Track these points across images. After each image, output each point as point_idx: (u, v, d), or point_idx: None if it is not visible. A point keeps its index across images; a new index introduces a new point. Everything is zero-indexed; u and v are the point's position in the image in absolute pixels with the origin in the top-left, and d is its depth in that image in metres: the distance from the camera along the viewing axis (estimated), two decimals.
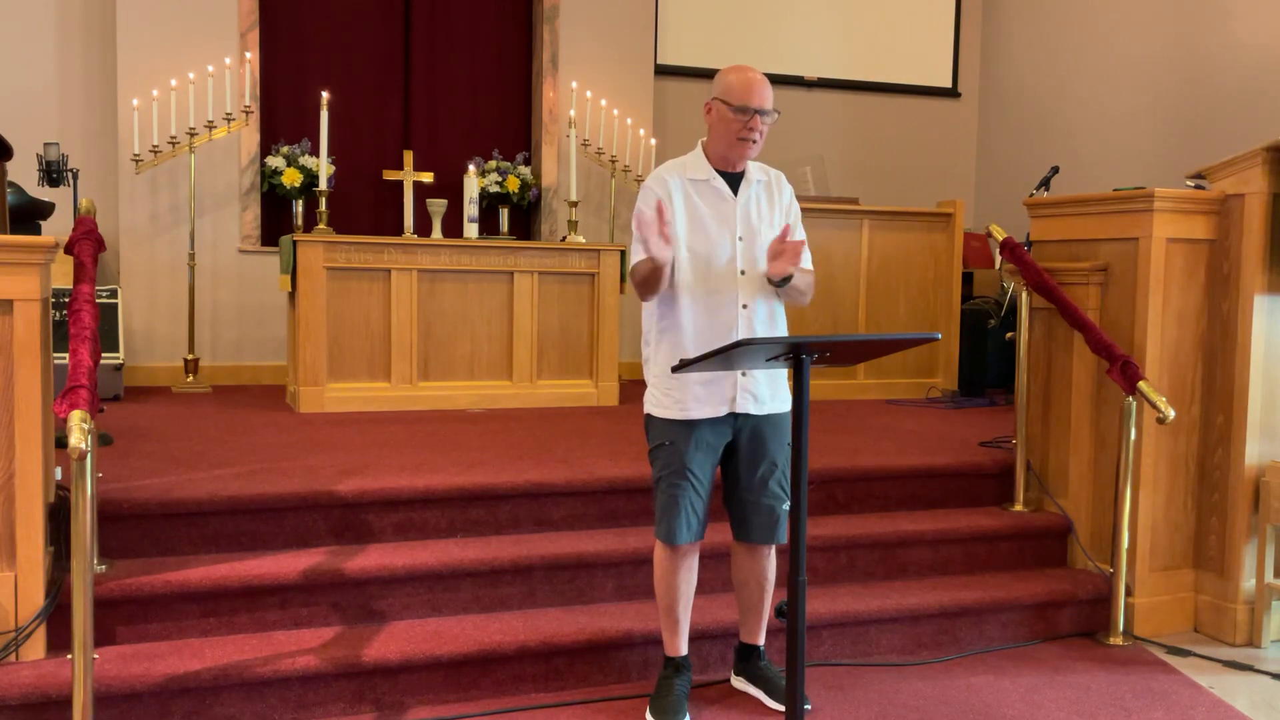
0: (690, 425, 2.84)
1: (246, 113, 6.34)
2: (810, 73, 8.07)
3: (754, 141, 2.83)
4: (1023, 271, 3.98)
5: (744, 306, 2.84)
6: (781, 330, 2.94)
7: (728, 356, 2.42)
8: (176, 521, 3.23)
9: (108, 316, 5.62)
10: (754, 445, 2.89)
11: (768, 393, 2.88)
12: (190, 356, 6.08)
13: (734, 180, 2.90)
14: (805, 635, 2.52)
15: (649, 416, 2.93)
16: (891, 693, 3.19)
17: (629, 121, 7.03)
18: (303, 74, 6.75)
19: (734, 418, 2.87)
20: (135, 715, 2.76)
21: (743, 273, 2.85)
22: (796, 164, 6.94)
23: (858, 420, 5.20)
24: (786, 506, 2.93)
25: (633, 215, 2.86)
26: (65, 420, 2.41)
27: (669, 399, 2.86)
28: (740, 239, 2.86)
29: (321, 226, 5.41)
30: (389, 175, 5.96)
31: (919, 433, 4.83)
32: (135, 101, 6.05)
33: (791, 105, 7.98)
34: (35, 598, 2.79)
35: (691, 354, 2.78)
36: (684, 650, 3.00)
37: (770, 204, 2.93)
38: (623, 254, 5.70)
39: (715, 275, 2.84)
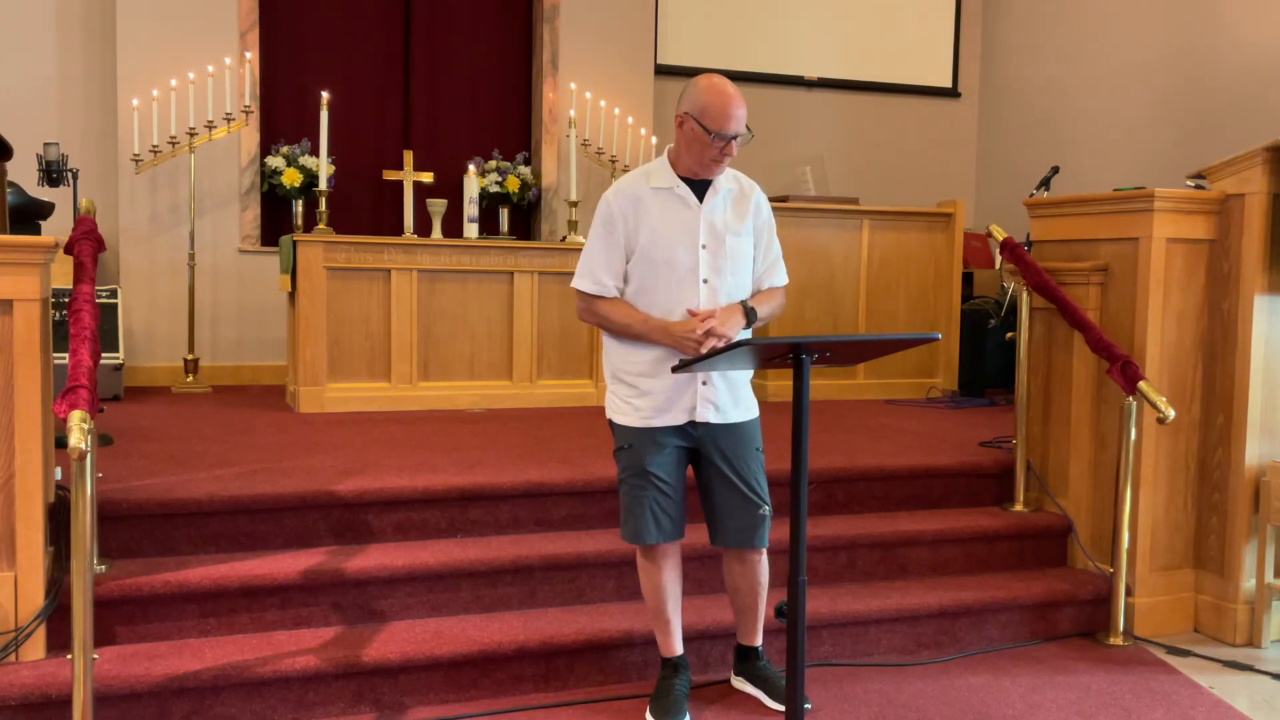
0: (649, 431, 2.83)
1: (246, 113, 6.34)
2: (810, 73, 8.07)
3: (724, 162, 2.80)
4: (1023, 271, 3.98)
5: None
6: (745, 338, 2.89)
7: (727, 357, 2.42)
8: (176, 521, 3.23)
9: (108, 316, 5.62)
10: (720, 453, 2.86)
11: (729, 401, 2.85)
12: (190, 356, 6.08)
13: (701, 187, 2.84)
14: (805, 635, 2.52)
15: (610, 421, 2.93)
16: (891, 693, 3.19)
17: (629, 121, 7.03)
18: (303, 74, 6.75)
19: (694, 425, 2.84)
20: (135, 715, 2.76)
21: (705, 281, 2.80)
22: (796, 164, 6.94)
23: (858, 420, 5.19)
24: (766, 510, 2.90)
25: (591, 226, 2.85)
26: (65, 420, 2.41)
27: (628, 406, 2.85)
28: (704, 247, 2.81)
29: (321, 226, 5.41)
30: (389, 175, 5.95)
31: (919, 433, 4.83)
32: (135, 101, 6.05)
33: (791, 105, 8.01)
34: (35, 598, 2.80)
35: (649, 360, 2.78)
36: (679, 650, 2.99)
37: (739, 212, 2.87)
38: None
39: (678, 283, 2.79)
